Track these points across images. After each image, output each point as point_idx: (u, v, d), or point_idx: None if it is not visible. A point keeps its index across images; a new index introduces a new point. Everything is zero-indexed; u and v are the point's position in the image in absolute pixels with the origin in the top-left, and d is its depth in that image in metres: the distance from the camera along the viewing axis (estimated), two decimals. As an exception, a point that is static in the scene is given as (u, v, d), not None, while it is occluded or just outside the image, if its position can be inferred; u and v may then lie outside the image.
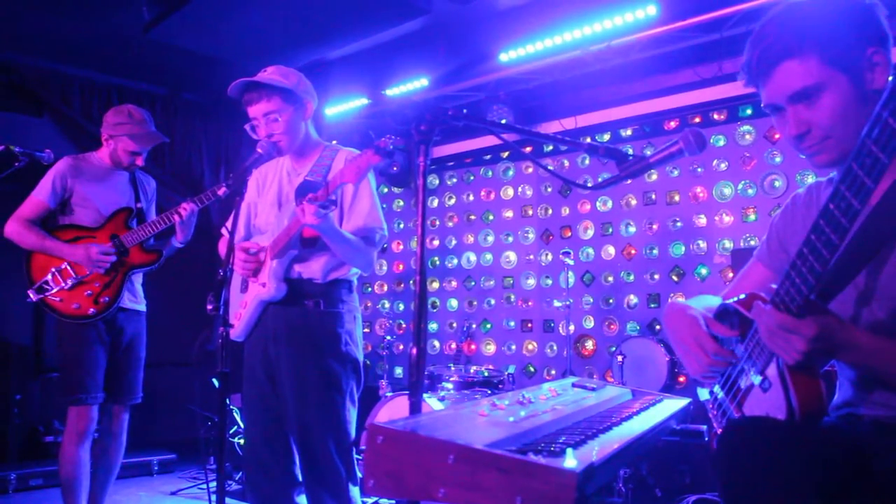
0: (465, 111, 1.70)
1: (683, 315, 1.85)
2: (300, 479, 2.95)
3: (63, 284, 3.72)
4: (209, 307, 2.33)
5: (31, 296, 3.73)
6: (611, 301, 6.34)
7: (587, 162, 6.57)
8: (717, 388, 1.95)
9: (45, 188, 3.76)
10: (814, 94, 1.59)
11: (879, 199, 1.56)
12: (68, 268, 3.74)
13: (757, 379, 1.69)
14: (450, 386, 4.95)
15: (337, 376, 2.91)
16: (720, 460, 1.51)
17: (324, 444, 2.85)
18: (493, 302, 7.18)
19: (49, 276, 3.73)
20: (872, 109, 1.56)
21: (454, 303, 7.47)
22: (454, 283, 7.47)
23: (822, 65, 1.57)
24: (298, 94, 2.97)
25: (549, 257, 6.78)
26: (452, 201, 7.54)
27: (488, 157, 7.30)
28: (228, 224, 3.08)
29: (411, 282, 7.52)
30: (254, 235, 3.16)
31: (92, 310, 3.72)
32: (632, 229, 6.29)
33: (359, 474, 2.96)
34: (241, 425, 5.28)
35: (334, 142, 3.22)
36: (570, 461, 1.22)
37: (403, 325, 7.69)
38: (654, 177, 6.15)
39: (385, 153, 2.47)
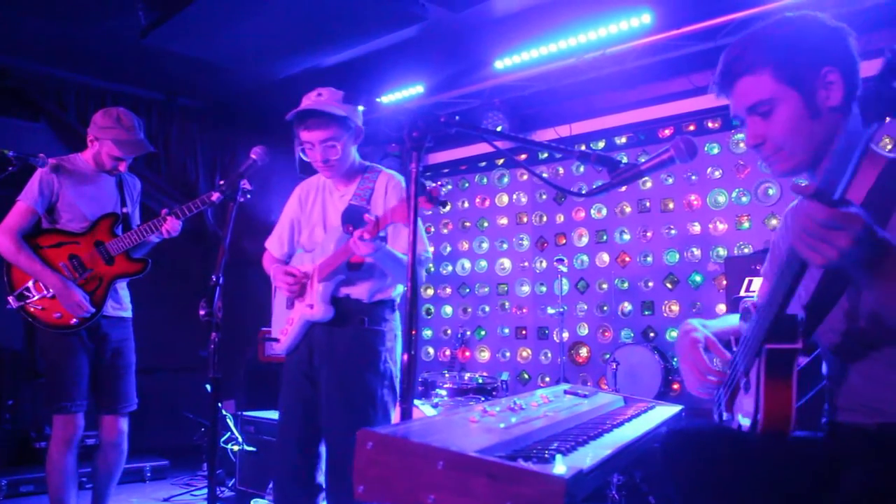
0: (457, 118, 1.71)
1: (687, 336, 1.97)
2: (323, 485, 3.03)
3: (45, 292, 3.61)
4: (202, 313, 2.33)
5: (11, 302, 3.63)
6: (605, 308, 6.35)
7: (582, 169, 6.59)
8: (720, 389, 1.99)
9: (32, 193, 3.63)
10: (768, 108, 1.71)
11: None
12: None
13: (742, 379, 1.72)
14: (444, 393, 4.94)
15: (372, 392, 2.99)
16: (664, 469, 1.55)
17: (353, 455, 2.89)
18: (487, 309, 7.18)
19: (31, 283, 3.62)
20: (825, 124, 1.65)
21: (449, 309, 7.47)
22: (449, 290, 7.47)
23: (774, 81, 1.69)
24: (353, 120, 3.04)
25: (544, 264, 6.78)
26: (447, 208, 7.54)
27: (483, 164, 7.31)
28: (269, 241, 3.31)
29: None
30: (297, 252, 3.25)
31: (74, 320, 3.62)
32: (626, 237, 6.30)
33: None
34: (234, 431, 5.26)
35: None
36: (560, 467, 1.22)
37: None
38: (649, 185, 6.17)
39: (438, 202, 2.51)
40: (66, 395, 3.59)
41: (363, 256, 2.83)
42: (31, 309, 3.63)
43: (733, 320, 2.07)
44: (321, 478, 3.04)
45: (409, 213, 1.70)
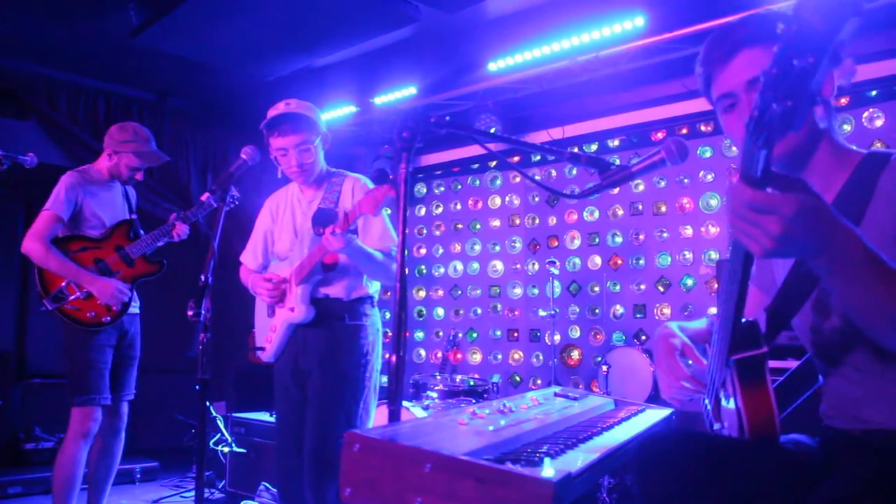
0: (447, 118, 1.70)
1: (665, 342, 1.92)
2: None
3: (78, 293, 3.80)
4: (190, 314, 2.33)
5: (48, 305, 3.79)
6: (597, 311, 6.34)
7: (574, 172, 6.58)
8: (705, 400, 1.97)
9: (59, 202, 3.80)
10: None
11: None
12: None
13: (721, 390, 1.71)
14: (435, 395, 4.93)
15: (356, 384, 3.09)
16: (635, 476, 1.53)
17: (336, 445, 2.94)
18: (479, 311, 7.17)
19: (63, 285, 3.79)
20: (823, 113, 1.58)
21: (440, 311, 7.46)
22: (441, 292, 7.46)
23: None
24: (321, 126, 3.19)
25: (536, 267, 6.78)
26: (440, 210, 7.53)
27: (476, 166, 7.31)
28: (244, 255, 3.42)
29: (398, 290, 7.50)
30: (273, 261, 3.35)
31: (107, 318, 3.83)
32: (618, 239, 6.30)
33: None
34: (224, 433, 5.24)
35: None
36: (548, 470, 1.21)
37: (389, 334, 7.65)
38: (641, 187, 6.17)
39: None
40: (95, 387, 3.77)
41: (336, 252, 2.89)
42: (68, 309, 3.80)
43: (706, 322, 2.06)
44: None
45: (399, 214, 1.69)
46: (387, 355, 5.78)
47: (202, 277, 2.40)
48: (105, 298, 3.80)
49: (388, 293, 7.82)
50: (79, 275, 3.79)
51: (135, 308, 4.06)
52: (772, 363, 1.58)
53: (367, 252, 2.99)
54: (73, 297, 3.79)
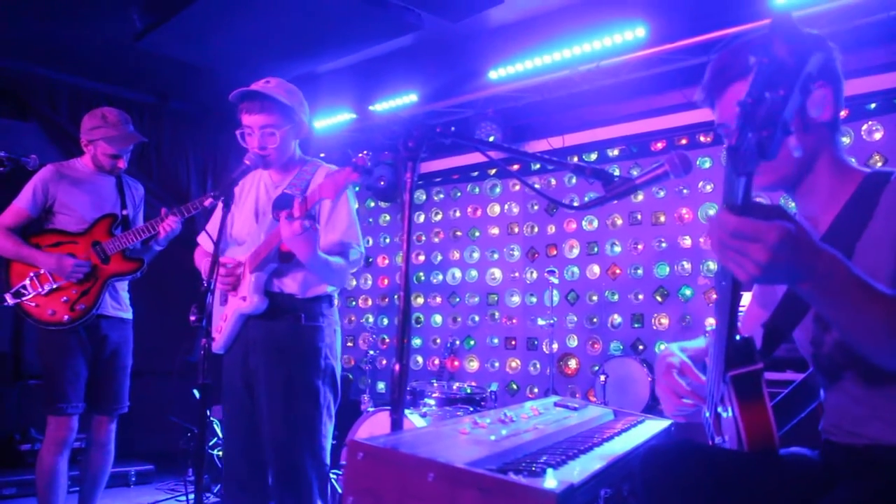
0: (452, 129, 1.71)
1: (662, 362, 1.96)
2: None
3: (40, 290, 3.68)
4: (192, 318, 2.32)
5: (8, 300, 3.70)
6: (595, 320, 6.35)
7: (574, 181, 6.59)
8: (706, 412, 1.98)
9: (26, 196, 3.74)
10: None
11: (826, 229, 1.64)
12: (46, 273, 3.70)
13: (720, 405, 1.72)
14: (432, 402, 4.93)
15: (315, 390, 2.90)
16: (642, 490, 1.54)
17: (299, 457, 2.84)
18: (477, 318, 7.16)
19: (27, 281, 3.69)
20: (812, 140, 1.62)
21: (438, 319, 7.46)
22: (439, 299, 7.46)
23: None
24: (298, 114, 2.99)
25: (534, 275, 6.78)
26: (439, 217, 7.54)
27: (475, 173, 7.31)
28: (201, 237, 3.21)
29: (396, 297, 7.50)
30: (230, 246, 3.15)
31: (67, 316, 3.68)
32: (617, 249, 6.31)
33: (338, 489, 2.93)
34: (220, 437, 5.23)
35: (322, 154, 3.20)
36: (550, 481, 1.22)
37: (387, 340, 7.66)
38: (640, 197, 6.18)
39: (363, 171, 2.47)
40: (62, 396, 3.63)
41: (289, 240, 2.69)
42: (26, 306, 3.69)
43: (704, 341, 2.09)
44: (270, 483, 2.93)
45: (404, 223, 1.70)
46: (384, 361, 5.77)
47: (204, 282, 2.39)
48: (64, 275, 3.65)
49: (386, 299, 7.83)
50: (32, 255, 3.67)
51: (119, 312, 3.90)
52: (770, 375, 1.59)
53: (318, 255, 2.78)
54: (33, 293, 3.67)
